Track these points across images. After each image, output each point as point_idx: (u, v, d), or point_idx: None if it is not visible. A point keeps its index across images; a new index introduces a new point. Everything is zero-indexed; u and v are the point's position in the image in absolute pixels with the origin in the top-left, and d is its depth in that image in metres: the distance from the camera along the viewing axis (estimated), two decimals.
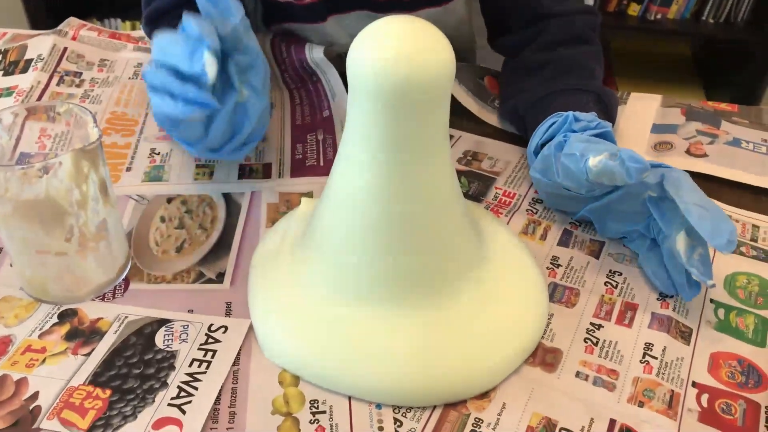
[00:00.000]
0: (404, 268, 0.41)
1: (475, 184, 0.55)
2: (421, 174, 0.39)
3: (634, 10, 1.71)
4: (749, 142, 0.60)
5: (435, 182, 0.40)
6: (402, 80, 0.35)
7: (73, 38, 0.69)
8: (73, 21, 0.71)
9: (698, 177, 0.55)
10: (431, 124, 0.38)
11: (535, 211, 0.53)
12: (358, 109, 0.38)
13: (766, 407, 0.40)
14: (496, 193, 0.54)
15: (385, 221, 0.40)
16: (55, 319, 0.43)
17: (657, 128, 0.61)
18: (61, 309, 0.44)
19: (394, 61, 0.35)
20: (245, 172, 0.55)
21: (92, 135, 0.41)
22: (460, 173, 0.56)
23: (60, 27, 0.70)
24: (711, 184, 0.55)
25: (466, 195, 0.54)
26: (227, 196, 0.52)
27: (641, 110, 0.63)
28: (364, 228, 0.40)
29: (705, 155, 0.58)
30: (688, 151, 0.58)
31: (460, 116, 0.62)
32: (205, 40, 0.45)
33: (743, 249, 0.50)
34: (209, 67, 0.44)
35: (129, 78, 0.66)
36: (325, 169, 0.55)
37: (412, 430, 0.38)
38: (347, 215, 0.41)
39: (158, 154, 0.57)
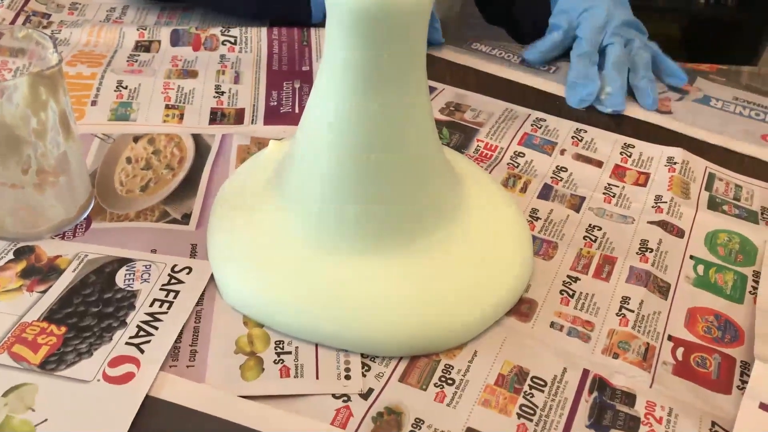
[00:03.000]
0: (375, 213, 0.39)
1: (457, 136, 0.54)
2: (394, 108, 0.37)
3: None
4: (719, 100, 0.60)
5: (410, 118, 0.38)
6: (375, 4, 0.33)
7: None
8: None
9: (665, 132, 0.57)
10: (407, 54, 0.36)
11: (516, 164, 0.51)
12: (333, 38, 0.36)
13: (741, 361, 0.39)
14: (478, 145, 0.53)
15: (355, 159, 0.38)
16: (10, 256, 0.41)
17: None
18: (18, 246, 0.42)
19: None
20: (217, 116, 0.53)
21: (52, 60, 0.39)
22: (441, 123, 0.54)
23: None
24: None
25: (447, 147, 0.52)
26: (197, 137, 0.50)
27: None
28: (332, 168, 0.38)
29: (669, 112, 0.59)
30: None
31: (442, 71, 0.61)
32: None
33: (726, 208, 0.49)
34: None
35: (100, 21, 0.64)
36: (300, 117, 0.53)
37: (381, 374, 0.37)
38: (316, 155, 0.39)
39: (126, 88, 0.54)
